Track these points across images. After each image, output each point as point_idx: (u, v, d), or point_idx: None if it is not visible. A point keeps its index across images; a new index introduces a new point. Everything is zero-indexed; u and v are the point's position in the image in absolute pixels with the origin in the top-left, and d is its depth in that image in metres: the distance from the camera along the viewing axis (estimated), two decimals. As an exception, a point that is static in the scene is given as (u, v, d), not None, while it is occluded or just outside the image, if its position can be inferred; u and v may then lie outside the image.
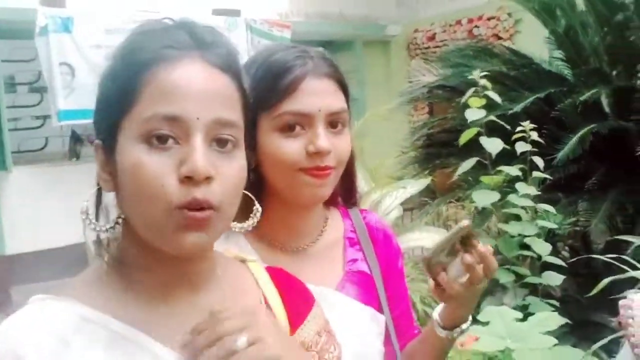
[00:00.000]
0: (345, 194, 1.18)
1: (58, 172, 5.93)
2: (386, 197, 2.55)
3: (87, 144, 6.56)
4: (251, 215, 0.83)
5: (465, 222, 1.03)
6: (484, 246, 1.05)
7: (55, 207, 5.56)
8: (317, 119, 0.99)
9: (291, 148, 0.99)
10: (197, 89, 0.70)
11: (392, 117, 4.37)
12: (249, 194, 0.81)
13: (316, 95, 1.00)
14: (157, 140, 0.68)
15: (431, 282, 1.08)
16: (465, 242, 1.03)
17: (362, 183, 1.23)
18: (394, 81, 6.72)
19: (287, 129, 0.99)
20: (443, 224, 4.56)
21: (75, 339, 0.69)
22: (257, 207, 0.84)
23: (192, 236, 0.69)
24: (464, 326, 1.13)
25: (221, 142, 0.71)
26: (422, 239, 2.40)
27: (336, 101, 1.02)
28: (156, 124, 0.68)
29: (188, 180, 0.67)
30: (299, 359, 0.80)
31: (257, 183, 1.03)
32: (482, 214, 2.94)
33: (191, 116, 0.68)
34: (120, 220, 0.75)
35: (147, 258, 0.75)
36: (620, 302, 1.18)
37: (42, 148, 6.75)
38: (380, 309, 1.13)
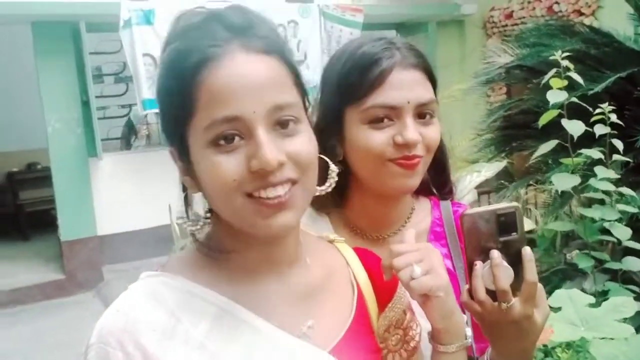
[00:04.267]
0: (437, 184, 1.16)
1: (143, 158, 6.21)
2: (460, 181, 2.53)
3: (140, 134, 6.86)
4: (328, 177, 0.86)
5: (514, 204, 0.85)
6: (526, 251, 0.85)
7: (142, 191, 5.85)
8: (405, 111, 0.99)
9: (379, 139, 0.99)
10: (247, 84, 0.70)
11: (465, 98, 4.29)
12: (325, 158, 0.84)
13: (404, 87, 0.99)
14: (224, 141, 0.71)
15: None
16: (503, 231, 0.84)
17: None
18: (469, 61, 6.58)
19: (375, 121, 1.00)
20: (522, 208, 4.44)
21: (185, 314, 0.74)
22: (333, 167, 0.86)
23: (278, 217, 0.72)
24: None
25: (283, 124, 0.73)
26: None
27: (425, 92, 1.02)
28: (218, 128, 0.70)
29: (261, 171, 0.70)
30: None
31: (344, 173, 1.04)
32: (563, 197, 2.87)
33: (248, 112, 0.70)
34: (208, 215, 0.80)
35: (237, 243, 0.79)
36: None
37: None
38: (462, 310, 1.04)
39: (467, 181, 2.50)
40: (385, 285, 0.90)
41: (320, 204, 1.10)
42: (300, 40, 5.81)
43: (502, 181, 4.04)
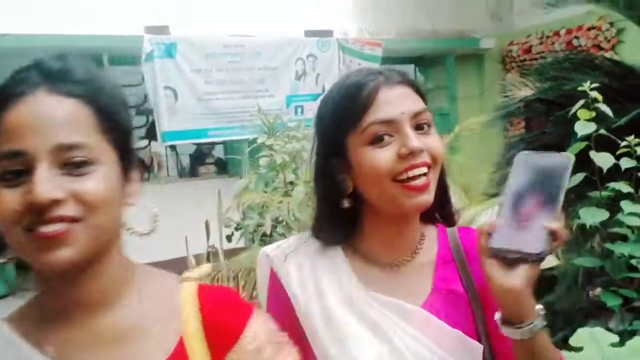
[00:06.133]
0: (440, 208, 1.14)
1: (166, 190, 6.23)
2: (481, 215, 2.49)
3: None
4: (153, 219, 0.90)
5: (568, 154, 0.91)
6: None
7: (162, 223, 5.85)
8: (402, 123, 1.00)
9: (383, 157, 1.00)
10: (35, 122, 0.74)
11: (485, 131, 4.26)
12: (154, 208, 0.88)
13: (394, 101, 1.02)
14: (10, 175, 0.73)
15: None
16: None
17: (454, 199, 1.17)
18: (487, 95, 6.59)
19: (377, 140, 1.01)
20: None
21: None
22: (154, 210, 0.90)
23: (57, 253, 0.73)
24: (531, 324, 0.90)
25: (74, 165, 0.74)
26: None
27: (416, 103, 1.04)
28: (4, 163, 0.73)
29: (34, 207, 0.72)
30: None
31: (355, 199, 1.07)
32: (585, 233, 2.80)
33: (29, 149, 0.73)
34: (10, 255, 0.82)
35: (43, 283, 0.81)
36: None
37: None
38: (478, 336, 1.04)
39: (489, 215, 2.45)
40: (228, 326, 0.85)
41: (328, 239, 1.11)
42: (319, 74, 5.85)
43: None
